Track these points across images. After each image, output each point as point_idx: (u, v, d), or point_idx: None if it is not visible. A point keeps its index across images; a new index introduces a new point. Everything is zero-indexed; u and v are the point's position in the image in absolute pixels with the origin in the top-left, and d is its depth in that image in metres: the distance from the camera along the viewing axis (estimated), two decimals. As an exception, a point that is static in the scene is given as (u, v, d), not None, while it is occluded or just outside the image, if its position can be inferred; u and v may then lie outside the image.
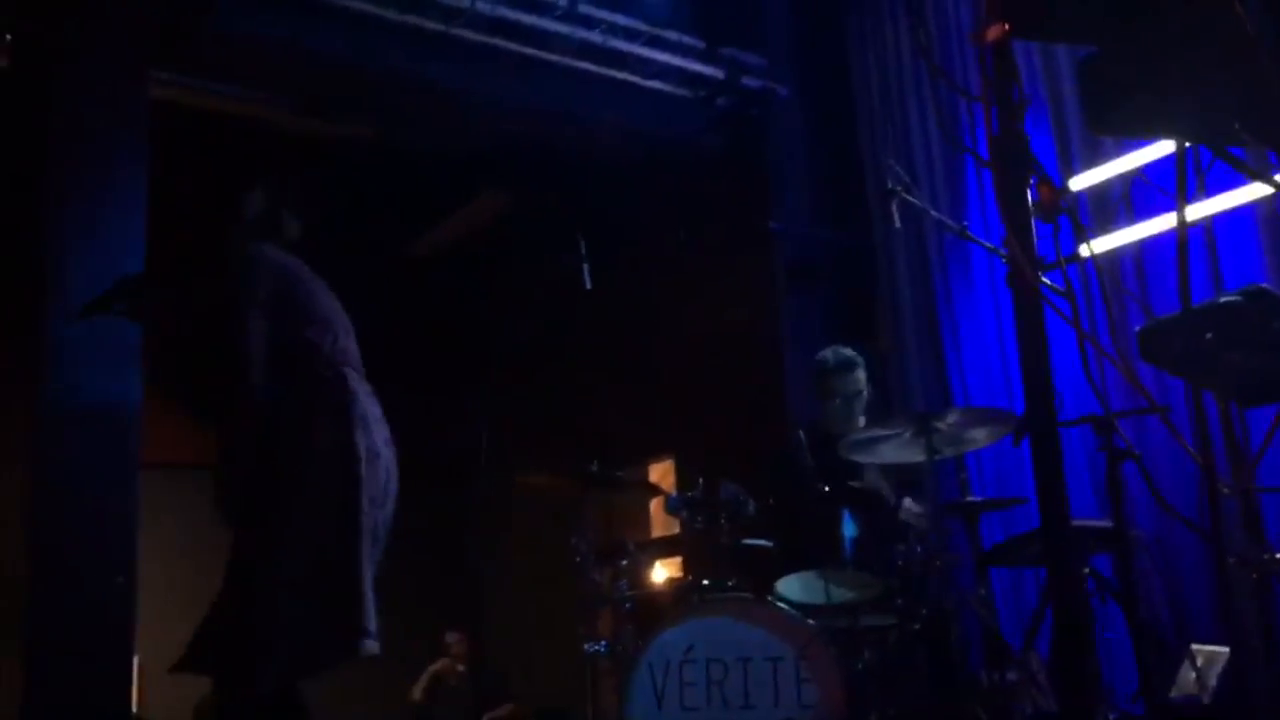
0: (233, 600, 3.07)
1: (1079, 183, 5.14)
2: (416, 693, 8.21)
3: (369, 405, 3.27)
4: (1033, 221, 1.40)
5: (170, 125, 5.30)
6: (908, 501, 4.46)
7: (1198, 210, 4.66)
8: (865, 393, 4.71)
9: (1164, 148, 4.74)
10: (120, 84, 4.99)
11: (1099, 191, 5.14)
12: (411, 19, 5.59)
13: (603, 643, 4.61)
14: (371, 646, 3.11)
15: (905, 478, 4.61)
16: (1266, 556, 2.72)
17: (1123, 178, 5.06)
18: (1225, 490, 1.63)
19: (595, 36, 6.06)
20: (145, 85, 5.09)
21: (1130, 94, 1.26)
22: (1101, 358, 1.87)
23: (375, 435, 3.24)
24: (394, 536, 3.45)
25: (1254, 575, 2.95)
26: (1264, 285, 2.72)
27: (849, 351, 4.76)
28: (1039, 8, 1.28)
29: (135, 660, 4.82)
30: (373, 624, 3.14)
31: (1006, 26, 1.30)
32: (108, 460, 4.64)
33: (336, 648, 3.03)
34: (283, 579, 3.00)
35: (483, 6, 5.69)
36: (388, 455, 3.27)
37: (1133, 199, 5.03)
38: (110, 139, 4.92)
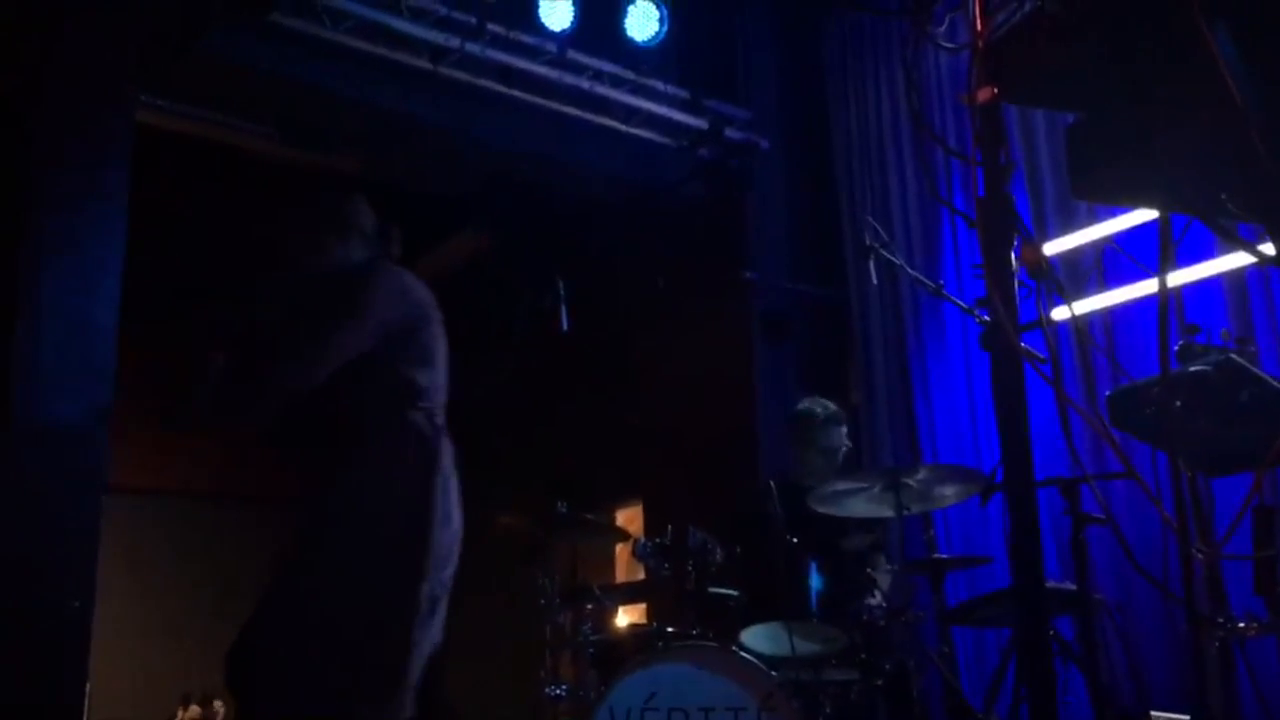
0: (268, 626, 2.84)
1: (1052, 248, 5.22)
2: None
3: (450, 466, 3.02)
4: (1015, 283, 1.42)
5: (154, 149, 5.30)
6: (875, 560, 4.48)
7: (1168, 280, 4.74)
8: (845, 448, 4.75)
9: (1136, 217, 4.83)
10: (106, 106, 4.99)
11: (1071, 258, 5.22)
12: (401, 56, 5.63)
13: (564, 686, 4.58)
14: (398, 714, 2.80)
15: (873, 532, 4.62)
16: (1231, 624, 2.75)
17: (1095, 245, 5.15)
18: (1199, 555, 1.65)
19: (582, 82, 6.12)
20: (131, 108, 5.09)
21: (1115, 162, 1.29)
22: (1066, 420, 1.89)
23: (453, 498, 3.01)
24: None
25: (1216, 643, 2.98)
26: (1233, 356, 2.77)
27: (832, 405, 4.79)
28: (1028, 72, 1.31)
29: (88, 687, 4.74)
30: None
31: (995, 90, 1.33)
32: (72, 481, 4.59)
33: (368, 705, 2.74)
34: (326, 618, 2.77)
35: (472, 48, 5.74)
36: (458, 519, 3.03)
37: (1104, 266, 5.11)
38: (93, 161, 4.91)
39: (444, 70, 5.72)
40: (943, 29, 1.66)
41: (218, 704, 7.85)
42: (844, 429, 4.75)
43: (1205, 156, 1.15)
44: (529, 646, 5.35)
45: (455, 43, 5.69)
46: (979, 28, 1.38)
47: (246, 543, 9.10)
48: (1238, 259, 4.62)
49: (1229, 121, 1.02)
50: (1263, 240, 1.44)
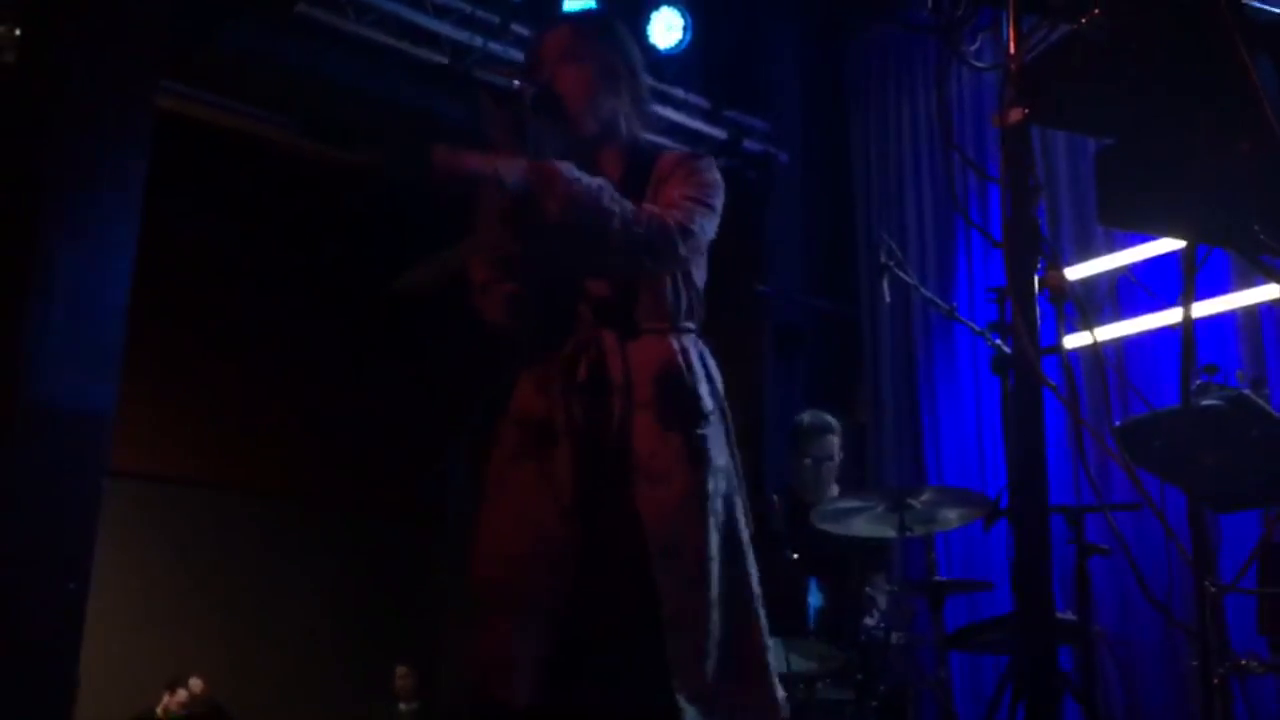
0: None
1: (1068, 276, 5.20)
2: None
3: None
4: (1037, 307, 1.41)
5: (172, 136, 5.30)
6: (875, 580, 4.46)
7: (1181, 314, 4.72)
8: (837, 460, 4.71)
9: (1151, 249, 4.82)
10: (126, 89, 4.98)
11: (1086, 286, 5.20)
12: (423, 52, 5.63)
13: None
14: None
15: (873, 552, 4.60)
16: (1234, 662, 2.72)
17: (1110, 275, 5.13)
18: (1212, 589, 1.63)
19: (603, 87, 6.10)
20: (151, 93, 5.09)
21: (1146, 189, 1.27)
22: (1082, 448, 1.86)
23: None
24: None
25: (1216, 680, 2.95)
26: (1245, 392, 2.75)
27: (826, 416, 4.77)
28: (1061, 95, 1.30)
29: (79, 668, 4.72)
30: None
31: (1026, 111, 1.31)
32: (74, 462, 4.58)
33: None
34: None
35: (495, 47, 5.73)
36: None
37: (1118, 297, 5.09)
38: (111, 144, 4.91)
39: (465, 68, 5.72)
40: (974, 48, 1.64)
41: (194, 682, 7.86)
42: (835, 440, 4.72)
43: (1240, 187, 1.13)
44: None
45: (478, 41, 5.68)
46: (1012, 49, 1.37)
47: (244, 534, 9.11)
48: (1253, 295, 4.60)
49: (1266, 152, 1.01)
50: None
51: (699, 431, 2.23)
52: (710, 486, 2.22)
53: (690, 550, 2.14)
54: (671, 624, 2.06)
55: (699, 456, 2.22)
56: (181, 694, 7.73)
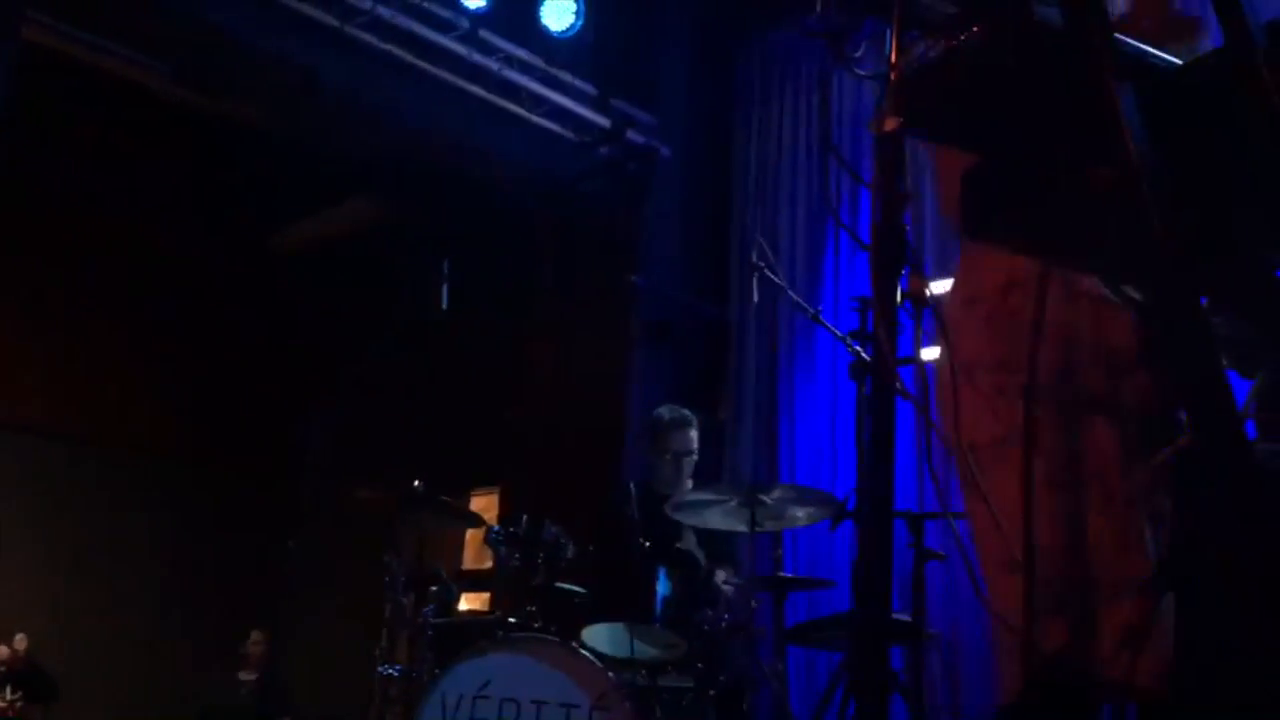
0: None
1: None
2: None
3: None
4: (899, 313, 1.47)
5: (44, 74, 5.09)
6: (721, 572, 4.54)
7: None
8: (695, 454, 4.78)
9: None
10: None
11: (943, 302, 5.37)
12: (308, 9, 5.50)
13: (398, 667, 4.53)
14: None
15: (719, 546, 4.68)
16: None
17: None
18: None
19: (491, 64, 6.07)
20: (16, 24, 4.87)
21: (1007, 209, 1.34)
22: (930, 456, 1.93)
23: None
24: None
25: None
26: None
27: (685, 411, 4.83)
28: (936, 108, 1.35)
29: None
30: None
31: (900, 121, 1.36)
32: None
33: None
34: None
35: (384, 12, 5.65)
36: None
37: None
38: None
39: (351, 30, 5.61)
40: (859, 54, 1.70)
41: (18, 638, 7.57)
42: (694, 433, 4.78)
43: (1097, 215, 1.19)
44: (367, 622, 5.29)
45: (367, 4, 5.59)
46: (894, 58, 1.42)
47: (93, 489, 8.80)
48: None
49: (1123, 183, 1.07)
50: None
51: None
52: None
53: None
54: None
55: None
56: (2, 650, 7.42)
